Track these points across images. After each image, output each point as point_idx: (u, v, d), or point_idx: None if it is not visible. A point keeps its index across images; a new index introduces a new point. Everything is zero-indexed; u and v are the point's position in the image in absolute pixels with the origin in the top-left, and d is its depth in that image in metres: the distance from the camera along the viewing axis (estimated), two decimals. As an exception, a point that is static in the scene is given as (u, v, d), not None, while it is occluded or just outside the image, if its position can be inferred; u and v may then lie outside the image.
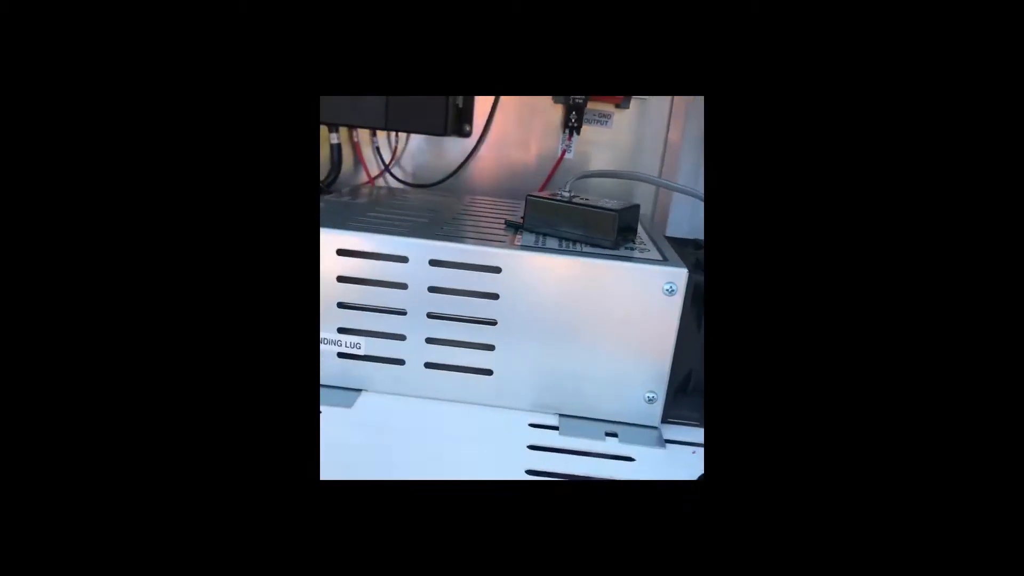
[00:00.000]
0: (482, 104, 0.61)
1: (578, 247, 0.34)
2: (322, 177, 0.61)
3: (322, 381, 0.35)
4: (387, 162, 0.62)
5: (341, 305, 0.34)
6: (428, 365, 0.34)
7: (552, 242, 0.35)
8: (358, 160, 0.62)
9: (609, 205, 0.36)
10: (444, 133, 0.51)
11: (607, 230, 0.35)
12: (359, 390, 0.35)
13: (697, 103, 0.61)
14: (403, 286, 0.33)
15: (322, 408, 0.33)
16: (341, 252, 0.33)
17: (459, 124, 0.59)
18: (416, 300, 0.33)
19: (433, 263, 0.33)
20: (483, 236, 0.36)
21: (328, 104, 0.49)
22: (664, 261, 0.33)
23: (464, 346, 0.34)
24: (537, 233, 0.37)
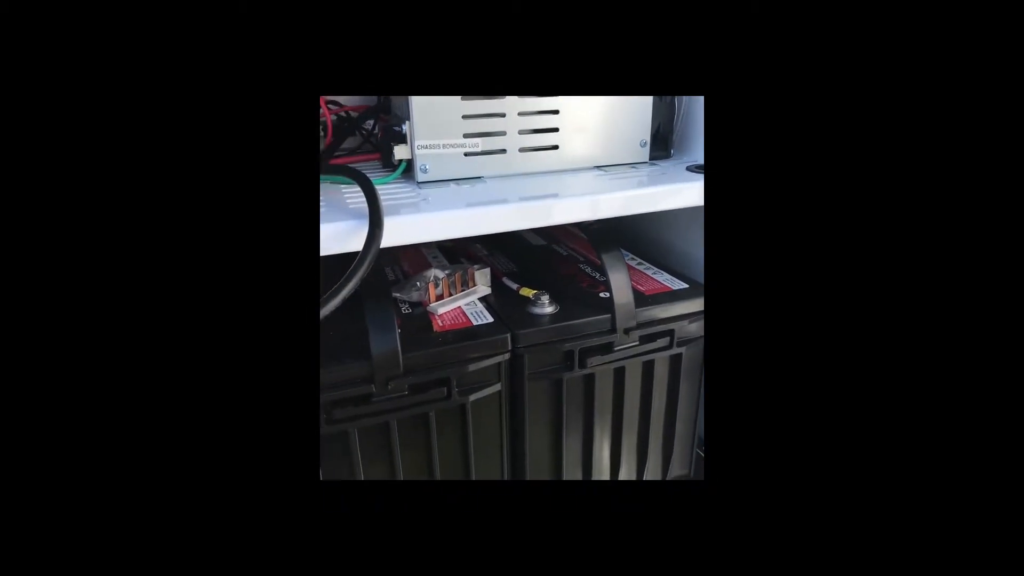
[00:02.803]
0: None
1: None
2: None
3: (453, 176, 0.51)
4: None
5: (465, 116, 0.49)
6: (521, 149, 0.53)
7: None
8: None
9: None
10: None
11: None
12: (479, 177, 0.52)
13: None
14: (501, 96, 0.50)
15: (457, 186, 0.50)
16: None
17: None
18: (511, 104, 0.51)
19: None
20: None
21: None
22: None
23: (540, 132, 0.53)
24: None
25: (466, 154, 0.51)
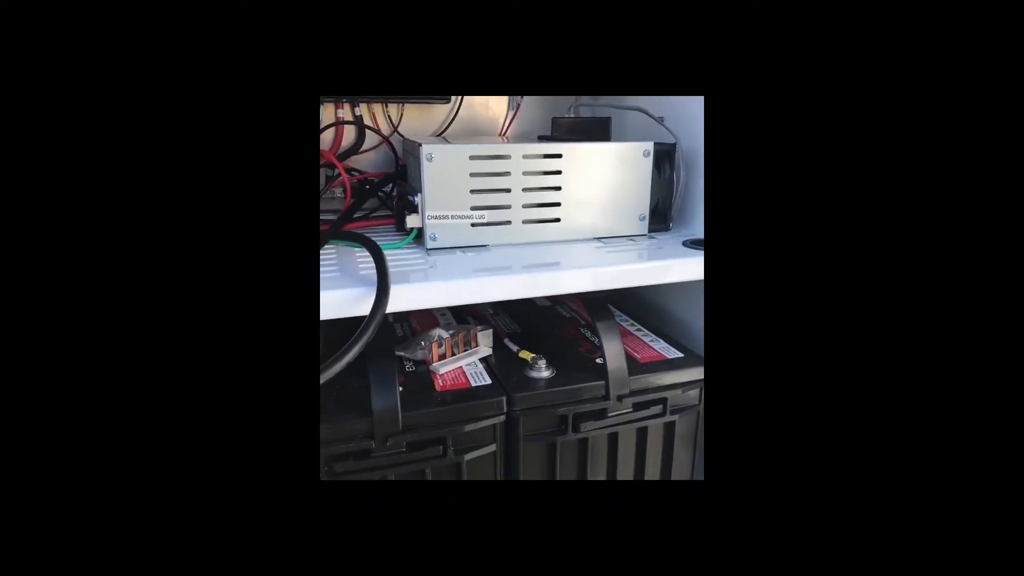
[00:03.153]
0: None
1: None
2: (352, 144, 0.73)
3: (460, 244, 0.55)
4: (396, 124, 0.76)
5: (473, 191, 0.54)
6: (525, 221, 0.56)
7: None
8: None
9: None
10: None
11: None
12: (485, 245, 0.56)
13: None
14: (507, 173, 0.54)
15: (463, 254, 0.53)
16: (472, 157, 0.53)
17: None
18: (516, 181, 0.55)
19: (526, 156, 0.54)
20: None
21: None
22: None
23: (543, 206, 0.57)
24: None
25: (473, 224, 0.55)
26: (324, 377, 0.36)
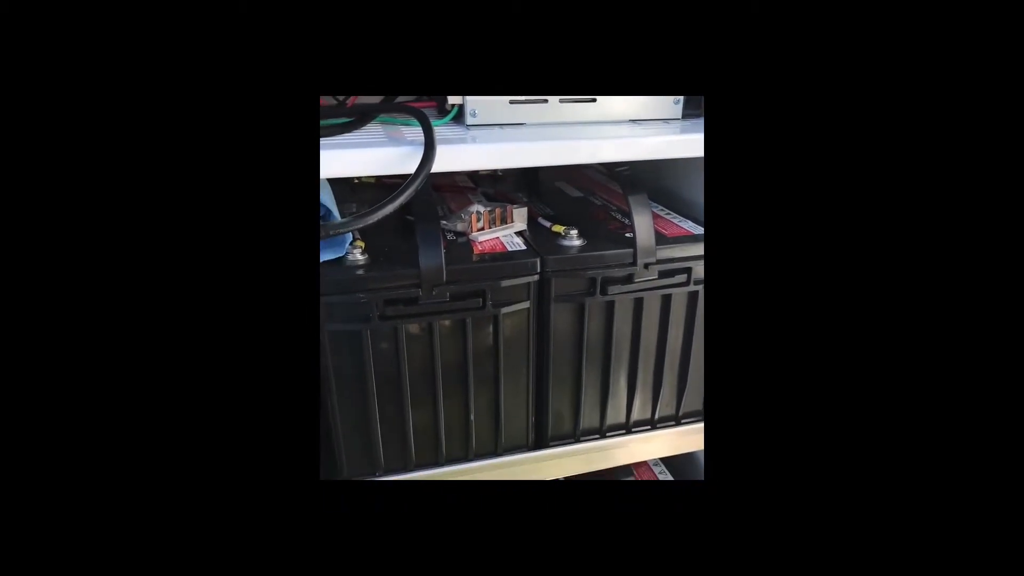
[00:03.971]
0: None
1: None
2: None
3: (498, 121, 0.57)
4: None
5: (511, 67, 0.56)
6: (562, 100, 0.58)
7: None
8: None
9: None
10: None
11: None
12: (522, 123, 0.58)
13: None
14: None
15: (502, 130, 0.56)
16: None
17: None
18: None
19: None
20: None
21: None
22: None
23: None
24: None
25: (511, 102, 0.57)
26: (378, 216, 0.40)
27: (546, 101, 0.58)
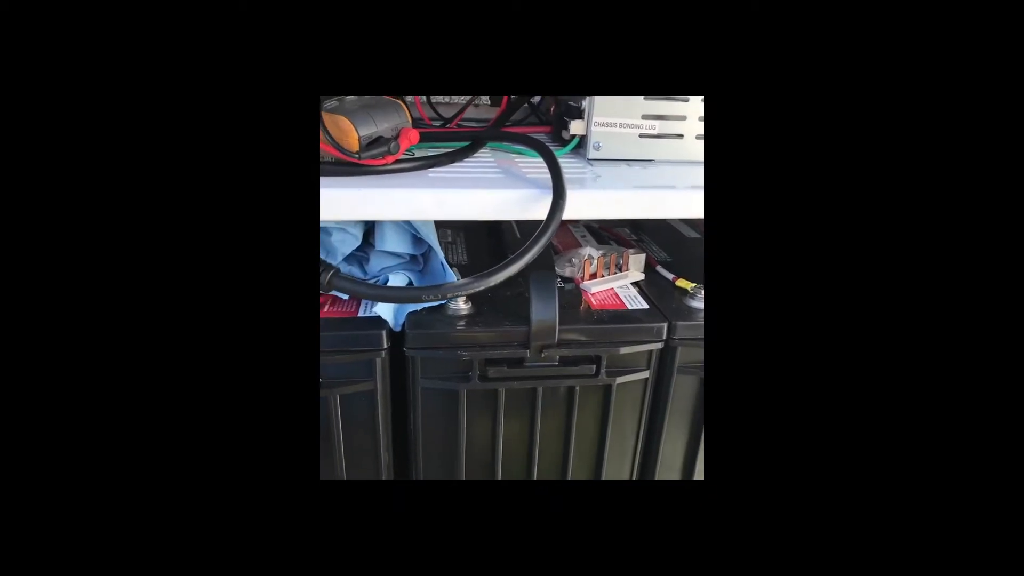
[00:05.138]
0: None
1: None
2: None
3: (625, 156, 0.50)
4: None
5: (647, 98, 0.48)
6: (699, 136, 0.51)
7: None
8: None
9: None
10: None
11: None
12: (651, 160, 0.51)
13: None
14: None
15: (628, 167, 0.49)
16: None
17: None
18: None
19: (711, 59, 0.48)
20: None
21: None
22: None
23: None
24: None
25: (641, 135, 0.50)
26: (501, 278, 0.34)
27: (681, 137, 0.50)
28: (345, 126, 0.39)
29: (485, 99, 0.68)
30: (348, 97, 0.42)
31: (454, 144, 0.50)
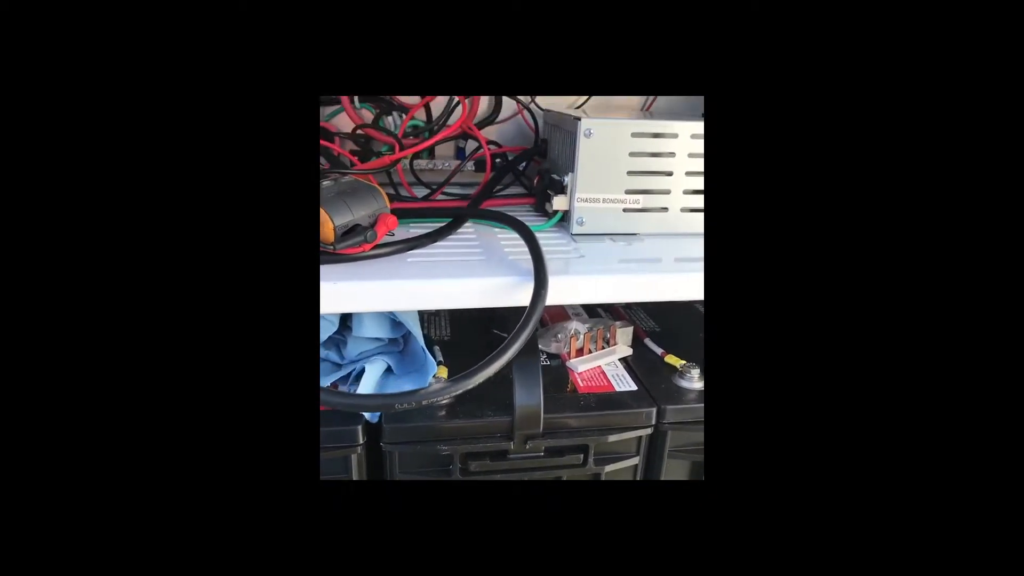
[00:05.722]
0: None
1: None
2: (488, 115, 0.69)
3: (609, 230, 0.50)
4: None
5: (630, 172, 0.48)
6: (683, 209, 0.50)
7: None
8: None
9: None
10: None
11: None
12: (635, 233, 0.50)
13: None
14: (671, 154, 0.48)
15: (613, 242, 0.48)
16: (635, 134, 0.47)
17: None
18: (680, 164, 0.48)
19: (694, 136, 0.48)
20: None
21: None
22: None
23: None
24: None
25: (625, 210, 0.49)
26: (481, 378, 0.33)
27: (666, 210, 0.50)
28: (320, 216, 0.38)
29: (470, 165, 0.67)
30: (324, 182, 0.41)
31: (436, 220, 0.49)
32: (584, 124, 0.46)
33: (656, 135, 0.47)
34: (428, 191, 0.61)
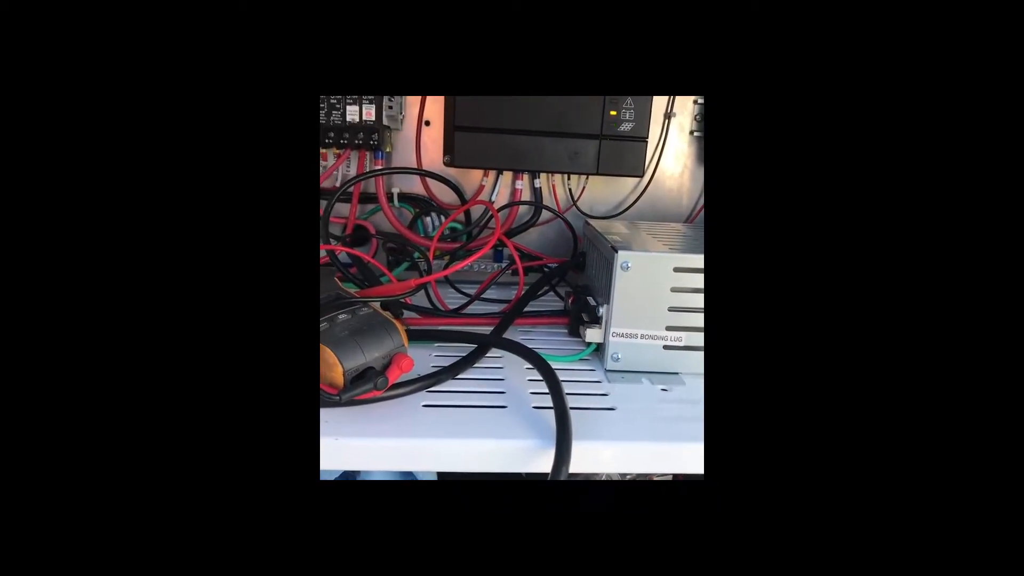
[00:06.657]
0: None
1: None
2: (528, 217, 0.68)
3: (647, 368, 0.45)
4: (575, 198, 0.69)
5: (671, 309, 0.44)
6: (732, 348, 0.45)
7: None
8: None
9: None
10: (641, 175, 0.62)
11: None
12: (676, 373, 0.46)
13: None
14: (718, 291, 0.44)
15: (651, 384, 0.43)
16: (677, 269, 0.43)
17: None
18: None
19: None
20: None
21: (543, 154, 0.59)
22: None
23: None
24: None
25: (665, 347, 0.45)
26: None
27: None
28: (330, 359, 0.35)
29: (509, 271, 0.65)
30: (340, 315, 0.39)
31: (459, 346, 0.46)
32: (621, 257, 0.42)
33: (701, 270, 0.43)
34: (460, 297, 0.59)
